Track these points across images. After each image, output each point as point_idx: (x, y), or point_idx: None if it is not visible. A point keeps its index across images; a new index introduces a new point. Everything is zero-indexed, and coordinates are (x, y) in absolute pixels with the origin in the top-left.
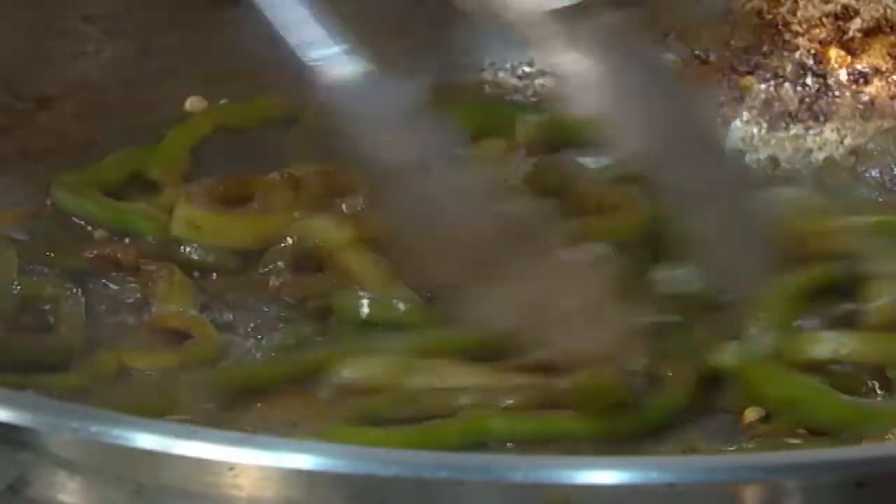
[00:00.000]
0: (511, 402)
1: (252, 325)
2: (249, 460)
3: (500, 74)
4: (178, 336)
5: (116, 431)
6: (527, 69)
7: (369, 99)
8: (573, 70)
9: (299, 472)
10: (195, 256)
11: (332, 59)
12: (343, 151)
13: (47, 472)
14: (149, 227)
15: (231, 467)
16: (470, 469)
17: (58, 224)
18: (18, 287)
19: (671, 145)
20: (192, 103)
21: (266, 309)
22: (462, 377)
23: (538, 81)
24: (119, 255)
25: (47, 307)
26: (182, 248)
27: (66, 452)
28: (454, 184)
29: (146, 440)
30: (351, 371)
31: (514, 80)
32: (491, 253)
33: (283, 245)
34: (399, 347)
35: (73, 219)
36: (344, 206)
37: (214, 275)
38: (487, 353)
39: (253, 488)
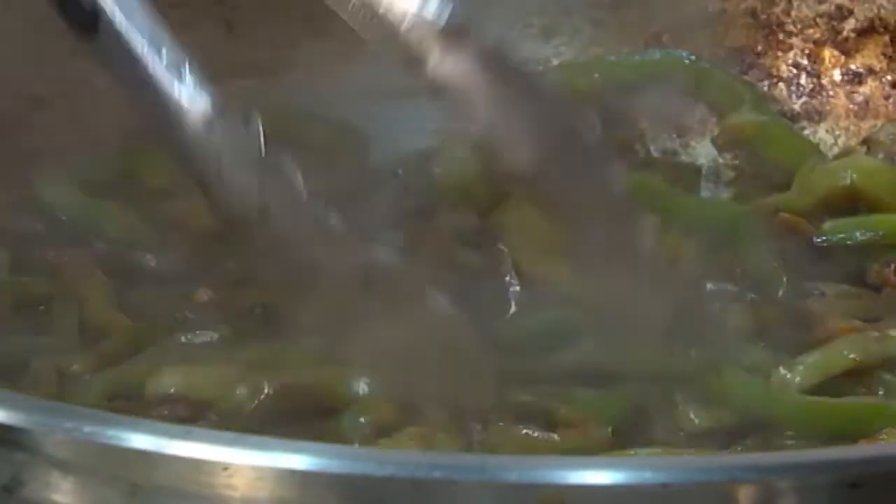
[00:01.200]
0: None
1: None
2: (244, 460)
3: None
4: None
5: (110, 431)
6: None
7: (220, 142)
8: (455, 86)
9: (293, 473)
10: (153, 265)
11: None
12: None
13: (42, 472)
14: (117, 229)
15: (225, 467)
16: (465, 469)
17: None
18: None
19: (554, 161)
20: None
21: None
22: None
23: None
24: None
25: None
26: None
27: (60, 452)
28: (303, 229)
29: (140, 440)
30: (170, 380)
31: None
32: (347, 297)
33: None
34: (224, 358)
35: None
36: None
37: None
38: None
39: (247, 488)
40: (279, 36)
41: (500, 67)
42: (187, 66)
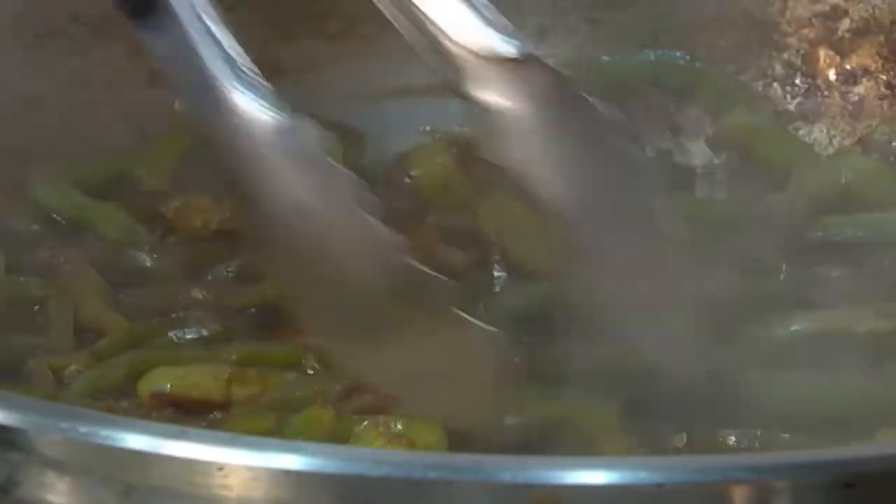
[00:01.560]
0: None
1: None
2: (239, 460)
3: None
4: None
5: (105, 432)
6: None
7: (277, 140)
8: (505, 117)
9: (288, 473)
10: (148, 265)
11: (248, 92)
12: (241, 189)
13: (36, 472)
14: (112, 229)
15: (220, 467)
16: (460, 469)
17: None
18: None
19: (598, 206)
20: (182, 104)
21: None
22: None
23: None
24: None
25: (36, 307)
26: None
27: (55, 453)
28: (350, 235)
29: (135, 440)
30: (162, 380)
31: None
32: (378, 309)
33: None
34: (218, 358)
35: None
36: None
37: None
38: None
39: (242, 488)
40: (274, 37)
41: (560, 99)
42: (245, 61)
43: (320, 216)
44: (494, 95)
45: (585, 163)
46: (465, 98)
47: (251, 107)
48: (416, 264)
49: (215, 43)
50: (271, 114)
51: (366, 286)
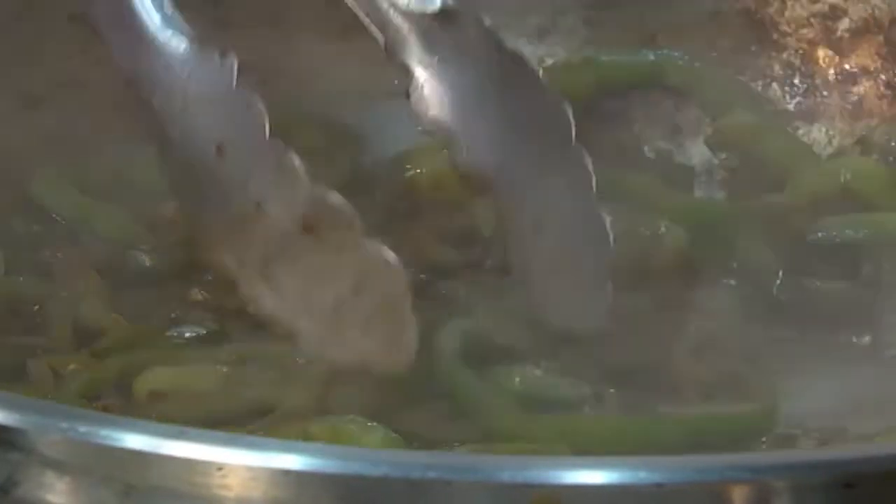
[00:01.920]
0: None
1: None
2: (238, 460)
3: None
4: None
5: (105, 432)
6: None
7: (184, 72)
8: (425, 76)
9: (288, 473)
10: (147, 264)
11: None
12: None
13: (36, 472)
14: (111, 229)
15: (220, 467)
16: (459, 469)
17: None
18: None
19: (517, 152)
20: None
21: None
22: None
23: None
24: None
25: (36, 308)
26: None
27: (54, 453)
28: (258, 167)
29: (135, 440)
30: (158, 379)
31: None
32: (285, 243)
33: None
34: (213, 357)
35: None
36: None
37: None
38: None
39: (241, 488)
40: (273, 38)
41: (485, 54)
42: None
43: (232, 151)
44: (422, 53)
45: (506, 116)
46: (401, 64)
47: (170, 40)
48: (327, 193)
49: None
50: (189, 46)
51: (280, 221)
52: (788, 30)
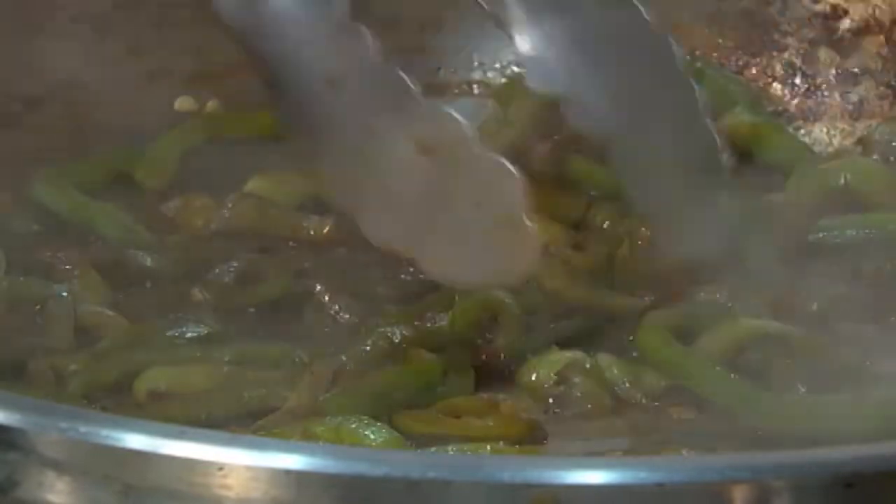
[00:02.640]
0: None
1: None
2: (238, 460)
3: (489, 74)
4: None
5: (105, 432)
6: (515, 69)
7: (293, 8)
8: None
9: (288, 473)
10: (147, 264)
11: None
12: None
13: (36, 472)
14: (112, 229)
15: (220, 467)
16: (459, 469)
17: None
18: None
19: (638, 116)
20: (182, 103)
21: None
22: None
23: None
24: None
25: (36, 307)
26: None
27: (54, 453)
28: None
29: (135, 440)
30: (157, 379)
31: (503, 79)
32: (403, 168)
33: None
34: (212, 357)
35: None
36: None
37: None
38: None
39: (242, 488)
40: None
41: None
42: None
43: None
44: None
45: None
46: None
47: None
48: (438, 105)
49: None
50: None
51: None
52: (789, 29)
